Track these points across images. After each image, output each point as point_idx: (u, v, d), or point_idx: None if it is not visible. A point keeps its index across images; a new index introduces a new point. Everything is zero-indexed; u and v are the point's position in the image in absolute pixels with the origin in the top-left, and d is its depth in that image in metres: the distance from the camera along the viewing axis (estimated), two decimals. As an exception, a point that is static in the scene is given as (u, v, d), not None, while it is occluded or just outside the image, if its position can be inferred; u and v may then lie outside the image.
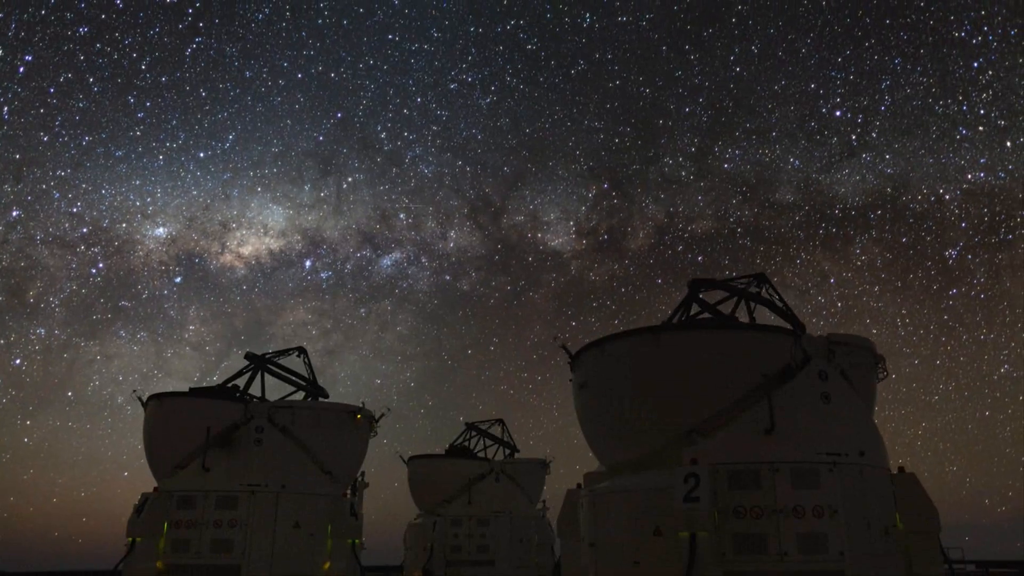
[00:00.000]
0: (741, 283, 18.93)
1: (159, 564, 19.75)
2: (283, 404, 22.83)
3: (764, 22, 66.20)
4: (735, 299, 18.73)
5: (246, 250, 71.18)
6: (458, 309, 75.42)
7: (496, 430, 39.15)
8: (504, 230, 76.03)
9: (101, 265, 63.96)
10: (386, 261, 74.87)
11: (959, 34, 58.40)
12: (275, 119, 70.52)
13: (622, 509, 15.51)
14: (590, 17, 71.30)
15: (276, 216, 72.72)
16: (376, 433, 24.38)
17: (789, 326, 17.41)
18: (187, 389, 23.58)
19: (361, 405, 23.59)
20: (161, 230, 67.30)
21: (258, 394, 24.71)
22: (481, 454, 37.70)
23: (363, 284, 73.45)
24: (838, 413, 14.99)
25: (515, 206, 76.63)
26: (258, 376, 25.01)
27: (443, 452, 37.50)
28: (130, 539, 19.95)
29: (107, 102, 62.92)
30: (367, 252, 74.14)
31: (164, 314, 67.85)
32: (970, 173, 59.24)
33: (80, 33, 59.84)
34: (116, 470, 65.42)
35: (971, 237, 60.09)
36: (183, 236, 68.62)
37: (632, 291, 69.63)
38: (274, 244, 72.30)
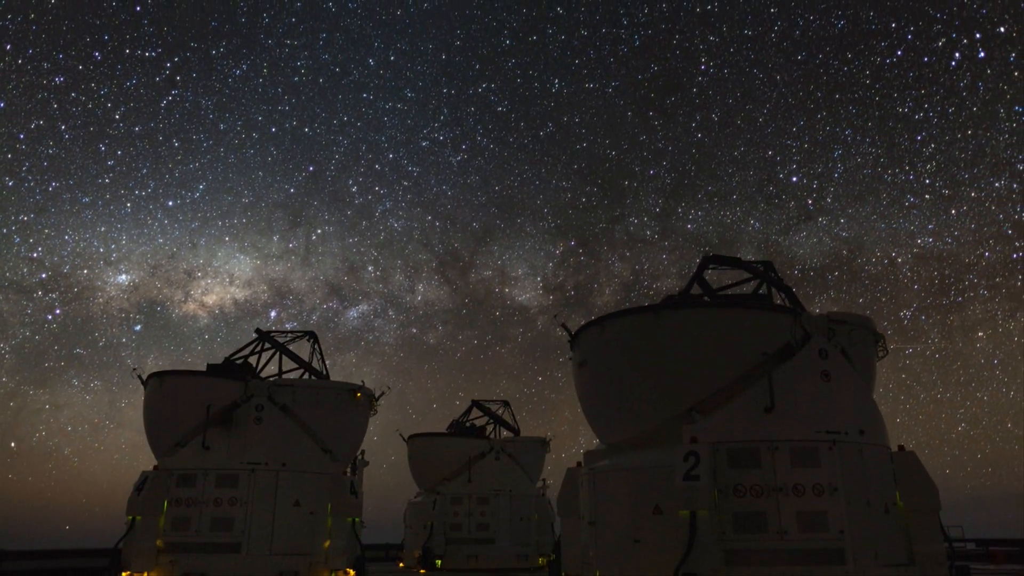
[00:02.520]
0: (755, 265, 18.84)
1: (159, 542, 19.78)
2: (283, 383, 22.82)
3: (723, 92, 70.09)
4: (755, 281, 18.62)
5: (210, 299, 70.32)
6: (424, 363, 76.21)
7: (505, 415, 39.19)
8: (472, 285, 77.45)
9: (58, 311, 62.78)
10: (352, 313, 75.50)
11: (903, 109, 62.39)
12: (247, 171, 70.93)
13: (622, 487, 15.50)
14: (559, 83, 75.35)
15: (243, 266, 72.06)
16: (376, 412, 24.41)
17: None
18: (204, 368, 23.74)
19: (361, 383, 23.60)
20: (123, 277, 66.46)
21: (266, 370, 24.78)
22: (491, 435, 37.82)
23: (329, 336, 72.98)
24: (838, 391, 14.95)
25: (483, 261, 78.20)
26: (265, 355, 25.09)
27: (444, 431, 37.58)
28: (130, 517, 19.98)
29: (77, 149, 62.67)
30: (334, 304, 74.39)
31: (121, 363, 66.25)
32: (920, 238, 62.72)
33: (56, 82, 60.22)
34: (58, 522, 63.89)
35: (923, 299, 63.18)
36: (146, 284, 67.87)
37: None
38: (239, 294, 71.58)
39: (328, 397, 22.88)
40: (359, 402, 23.34)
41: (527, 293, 77.03)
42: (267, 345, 25.24)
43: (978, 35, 57.86)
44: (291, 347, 25.60)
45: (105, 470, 65.93)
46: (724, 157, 70.53)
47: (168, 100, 65.72)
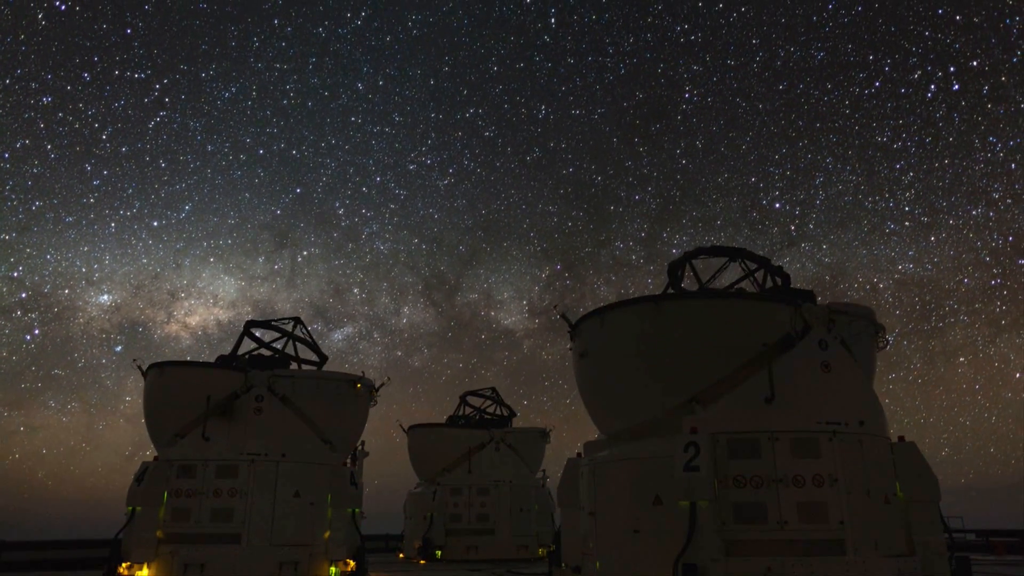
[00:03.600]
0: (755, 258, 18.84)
1: (159, 533, 19.78)
2: (283, 373, 22.79)
3: (707, 120, 72.46)
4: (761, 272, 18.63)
5: (193, 320, 69.98)
6: (409, 385, 76.02)
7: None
8: (458, 308, 78.36)
9: (37, 332, 62.02)
10: (337, 335, 75.39)
11: (881, 139, 64.66)
12: (234, 192, 71.59)
13: (622, 478, 15.50)
14: (545, 109, 77.42)
15: (227, 287, 71.70)
16: (376, 402, 24.40)
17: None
18: (215, 359, 23.84)
19: (361, 374, 23.59)
20: (105, 297, 65.72)
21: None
22: (496, 411, 37.92)
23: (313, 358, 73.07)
24: (838, 382, 14.93)
25: (469, 284, 79.40)
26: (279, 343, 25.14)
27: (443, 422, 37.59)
28: (130, 508, 19.98)
29: (63, 168, 62.54)
30: (318, 326, 74.62)
31: (100, 384, 65.59)
32: (900, 264, 64.56)
33: (43, 102, 60.35)
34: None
35: (905, 324, 64.39)
36: (128, 304, 67.28)
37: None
38: (223, 315, 71.14)
39: (328, 388, 22.86)
40: (359, 392, 23.34)
41: (513, 316, 78.39)
42: (271, 338, 25.23)
43: (952, 68, 61.21)
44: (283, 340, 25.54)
45: (80, 494, 65.31)
46: (708, 183, 72.92)
47: (156, 121, 66.00)
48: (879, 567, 13.37)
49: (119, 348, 65.68)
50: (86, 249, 64.14)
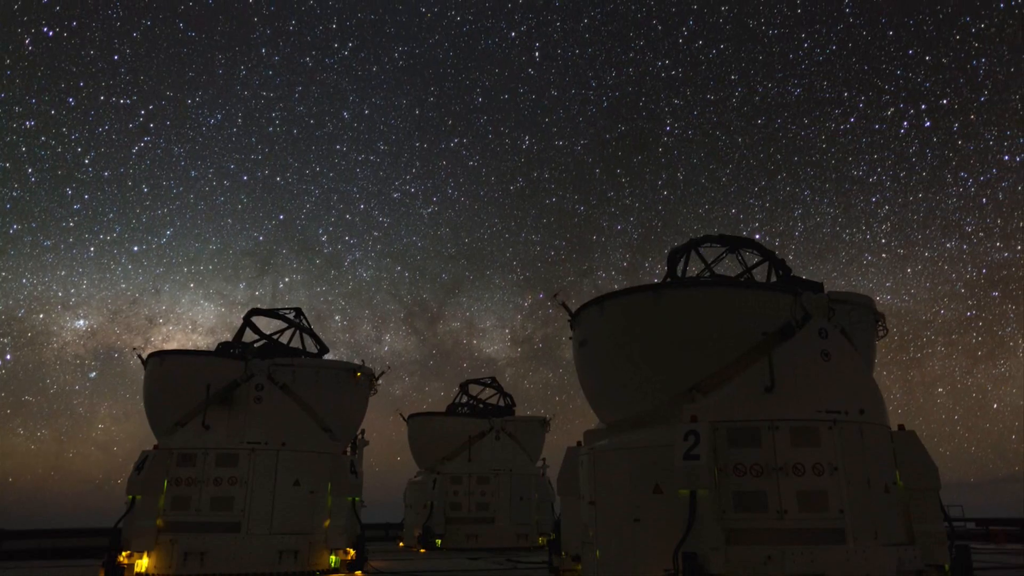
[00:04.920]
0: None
1: (159, 522, 19.79)
2: (283, 362, 22.76)
3: (688, 152, 73.89)
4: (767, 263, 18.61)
5: (171, 346, 68.12)
6: (389, 413, 75.69)
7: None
8: (440, 336, 78.15)
9: (9, 357, 60.79)
10: None
11: (858, 172, 66.50)
12: (216, 217, 70.80)
13: (622, 467, 15.48)
14: (529, 139, 77.84)
15: (207, 313, 70.69)
16: (376, 391, 24.40)
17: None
18: (216, 347, 23.77)
19: (361, 363, 23.58)
20: (81, 322, 64.69)
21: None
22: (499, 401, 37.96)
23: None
24: (838, 371, 14.90)
25: (451, 312, 78.93)
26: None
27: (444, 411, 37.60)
28: (130, 497, 19.97)
29: (43, 192, 61.93)
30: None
31: (72, 411, 63.93)
32: (878, 295, 66.88)
33: (26, 126, 59.75)
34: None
35: (884, 355, 65.15)
36: (104, 329, 66.30)
37: (566, 399, 71.67)
38: (202, 341, 70.50)
39: (328, 376, 22.84)
40: (359, 381, 23.32)
41: (495, 345, 78.29)
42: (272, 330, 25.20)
43: (923, 106, 63.59)
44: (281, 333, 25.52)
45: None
46: (689, 214, 74.12)
47: (140, 146, 65.52)
48: (879, 556, 13.38)
49: (93, 374, 64.47)
50: (63, 273, 63.21)
